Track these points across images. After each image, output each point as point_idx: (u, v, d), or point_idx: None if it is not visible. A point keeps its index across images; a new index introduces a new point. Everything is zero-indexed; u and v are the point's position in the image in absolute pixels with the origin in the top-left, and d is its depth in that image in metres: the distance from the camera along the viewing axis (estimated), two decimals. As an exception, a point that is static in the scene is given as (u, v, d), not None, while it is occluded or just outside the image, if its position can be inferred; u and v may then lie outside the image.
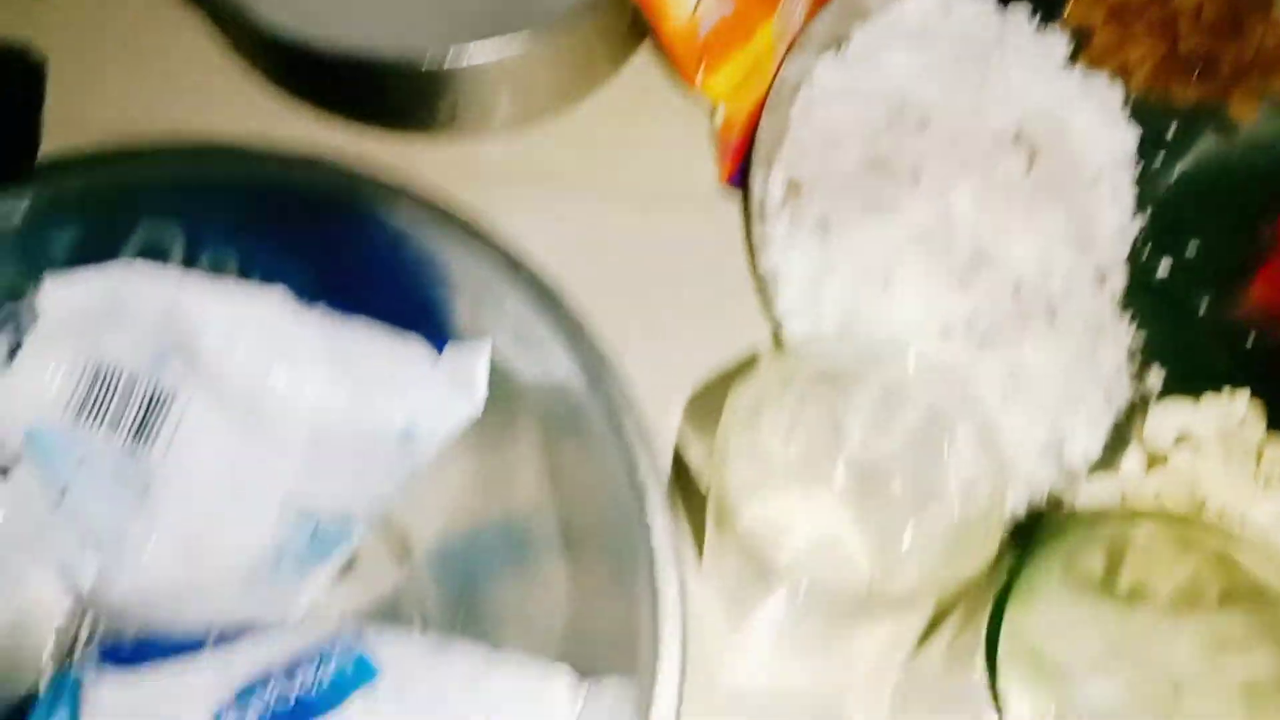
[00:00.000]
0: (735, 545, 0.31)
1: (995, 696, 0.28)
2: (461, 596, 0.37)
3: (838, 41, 0.44)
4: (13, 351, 0.32)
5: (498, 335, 0.36)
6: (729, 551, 0.32)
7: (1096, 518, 0.30)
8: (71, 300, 0.32)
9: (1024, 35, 0.44)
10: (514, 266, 0.35)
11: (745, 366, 0.37)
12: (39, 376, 0.31)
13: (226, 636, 0.32)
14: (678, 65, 0.40)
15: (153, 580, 0.33)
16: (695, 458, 0.40)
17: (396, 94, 0.41)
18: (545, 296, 0.35)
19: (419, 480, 0.38)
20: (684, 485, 0.40)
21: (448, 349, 0.36)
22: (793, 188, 0.42)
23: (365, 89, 0.42)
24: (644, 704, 0.29)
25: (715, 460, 0.30)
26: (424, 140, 0.44)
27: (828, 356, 0.34)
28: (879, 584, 0.37)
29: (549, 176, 0.44)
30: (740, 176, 0.43)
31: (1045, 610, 0.29)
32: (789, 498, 0.38)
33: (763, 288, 0.40)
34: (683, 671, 0.30)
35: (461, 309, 0.37)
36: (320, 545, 0.35)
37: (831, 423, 0.36)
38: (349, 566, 0.39)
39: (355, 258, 0.36)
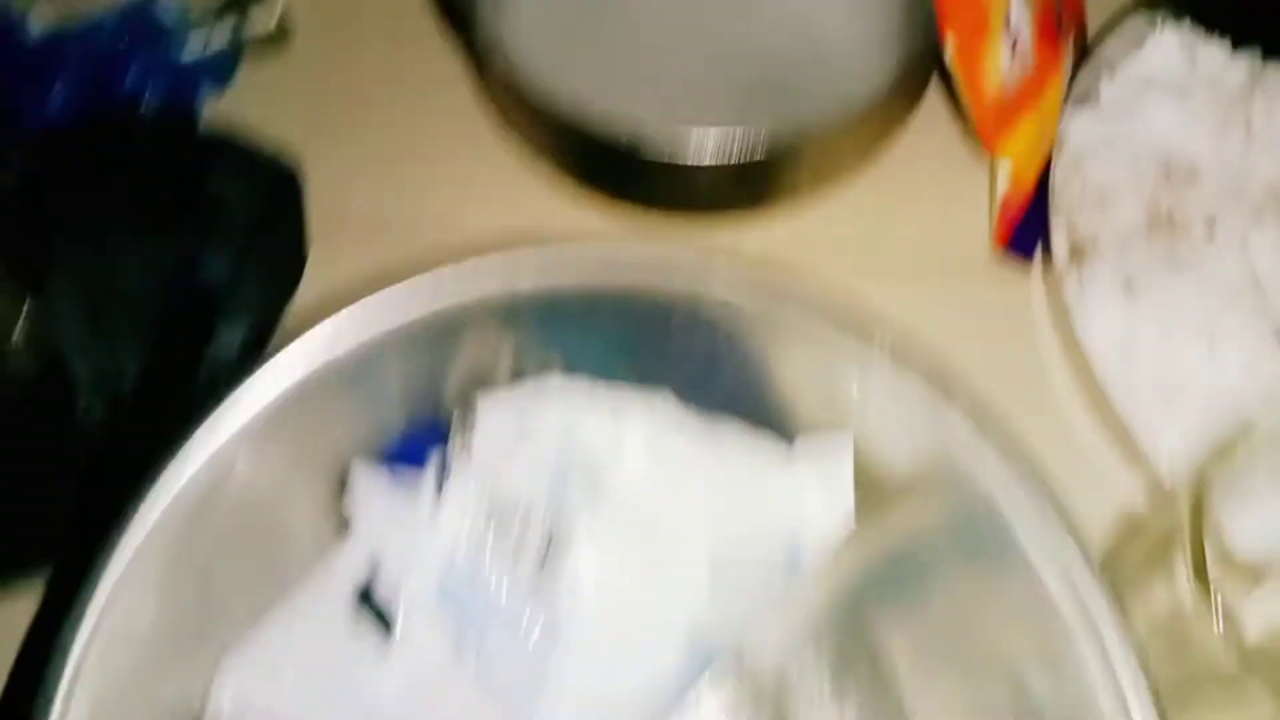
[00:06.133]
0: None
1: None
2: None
3: (1087, 95, 0.44)
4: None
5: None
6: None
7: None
8: (491, 428, 0.29)
9: (1275, 80, 0.44)
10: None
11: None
12: (455, 520, 0.29)
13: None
14: (983, 135, 0.39)
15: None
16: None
17: (702, 183, 0.40)
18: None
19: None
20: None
21: (800, 444, 0.34)
22: (1076, 250, 0.41)
23: (669, 181, 0.40)
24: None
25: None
26: (713, 223, 0.42)
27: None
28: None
29: (835, 251, 0.43)
30: (1018, 241, 0.42)
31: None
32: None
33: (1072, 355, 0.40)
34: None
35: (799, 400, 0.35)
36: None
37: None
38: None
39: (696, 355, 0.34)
